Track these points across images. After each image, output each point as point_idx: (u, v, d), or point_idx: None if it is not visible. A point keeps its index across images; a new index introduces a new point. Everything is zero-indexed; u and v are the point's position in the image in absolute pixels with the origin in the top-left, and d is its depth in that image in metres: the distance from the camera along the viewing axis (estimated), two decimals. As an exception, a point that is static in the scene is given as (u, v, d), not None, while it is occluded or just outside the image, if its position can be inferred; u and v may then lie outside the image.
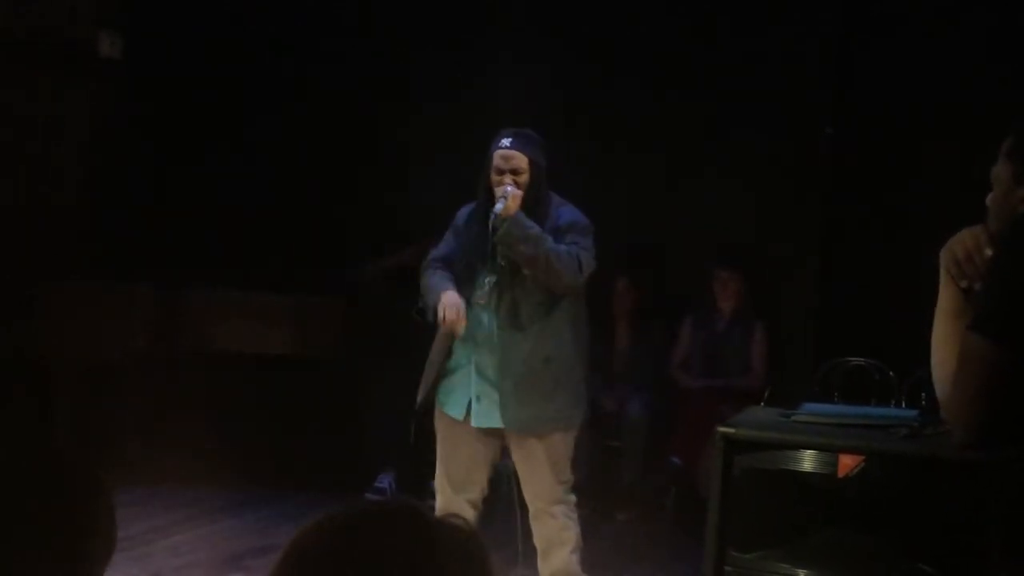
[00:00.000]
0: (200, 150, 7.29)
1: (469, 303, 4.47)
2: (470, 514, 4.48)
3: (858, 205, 6.58)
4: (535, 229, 4.33)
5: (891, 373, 4.57)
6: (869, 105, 6.56)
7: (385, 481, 6.74)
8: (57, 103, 7.14)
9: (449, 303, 4.39)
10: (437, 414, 4.59)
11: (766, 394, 4.51)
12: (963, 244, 2.30)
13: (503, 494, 5.06)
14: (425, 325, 4.55)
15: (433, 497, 4.63)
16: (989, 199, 2.36)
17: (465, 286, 4.50)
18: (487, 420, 4.47)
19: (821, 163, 6.73)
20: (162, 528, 6.01)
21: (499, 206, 4.29)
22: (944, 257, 2.33)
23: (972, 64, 6.21)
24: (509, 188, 4.34)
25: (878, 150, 6.53)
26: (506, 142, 4.42)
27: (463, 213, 4.66)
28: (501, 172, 4.38)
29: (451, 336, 4.50)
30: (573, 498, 4.56)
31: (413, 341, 6.39)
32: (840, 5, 6.69)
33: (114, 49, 7.32)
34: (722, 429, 3.93)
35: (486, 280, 4.47)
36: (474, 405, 4.48)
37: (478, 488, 4.55)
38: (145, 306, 6.90)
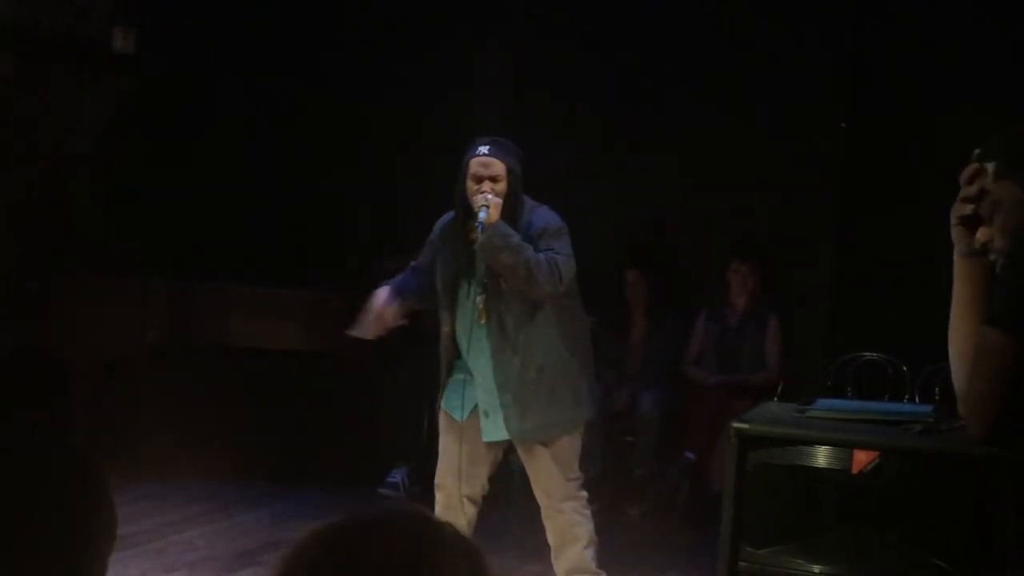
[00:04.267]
0: (213, 144, 7.30)
1: (455, 316, 4.48)
2: (470, 510, 4.51)
3: (872, 199, 6.56)
4: (515, 238, 4.29)
5: (905, 368, 4.55)
6: (885, 98, 6.54)
7: (397, 476, 6.74)
8: (71, 98, 7.16)
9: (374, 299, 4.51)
10: (440, 412, 4.62)
11: (779, 389, 4.50)
12: (964, 176, 2.29)
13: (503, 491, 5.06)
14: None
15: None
16: (993, 225, 2.30)
17: (447, 299, 4.50)
18: (496, 434, 4.49)
19: (835, 157, 6.72)
20: (176, 523, 6.02)
21: (483, 215, 4.25)
22: (952, 213, 2.31)
23: (990, 57, 6.18)
24: (489, 196, 4.30)
25: (893, 144, 6.51)
26: (483, 149, 4.37)
27: (439, 226, 4.62)
28: (479, 180, 4.33)
29: (450, 342, 4.52)
30: (584, 494, 4.56)
31: (423, 338, 6.43)
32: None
33: (127, 44, 7.33)
34: (736, 425, 3.92)
35: (477, 298, 4.44)
36: (483, 420, 4.48)
37: (479, 484, 4.55)
38: (158, 300, 6.91)
